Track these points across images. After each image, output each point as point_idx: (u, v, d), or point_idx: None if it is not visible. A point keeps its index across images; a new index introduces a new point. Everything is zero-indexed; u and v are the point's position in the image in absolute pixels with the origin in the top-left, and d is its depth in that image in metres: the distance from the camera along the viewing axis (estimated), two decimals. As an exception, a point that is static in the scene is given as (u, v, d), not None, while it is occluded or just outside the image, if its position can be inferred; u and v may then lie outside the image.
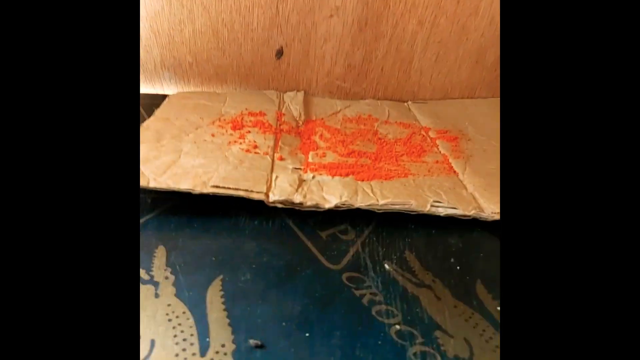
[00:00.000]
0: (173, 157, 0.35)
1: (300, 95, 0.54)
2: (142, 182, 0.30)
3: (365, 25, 0.51)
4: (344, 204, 0.32)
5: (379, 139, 0.46)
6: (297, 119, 0.48)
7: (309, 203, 0.31)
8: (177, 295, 0.24)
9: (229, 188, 0.31)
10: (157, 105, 0.47)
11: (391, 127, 0.49)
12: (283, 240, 0.29)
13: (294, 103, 0.52)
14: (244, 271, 0.26)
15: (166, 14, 0.49)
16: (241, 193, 0.31)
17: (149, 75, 0.54)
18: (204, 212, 0.31)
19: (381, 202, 0.32)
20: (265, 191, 0.32)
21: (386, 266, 0.28)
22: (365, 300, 0.25)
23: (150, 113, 0.45)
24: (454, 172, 0.40)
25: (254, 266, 0.27)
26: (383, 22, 0.51)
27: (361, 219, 0.32)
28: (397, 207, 0.32)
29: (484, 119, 0.52)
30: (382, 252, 0.29)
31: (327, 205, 0.31)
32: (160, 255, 0.27)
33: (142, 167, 0.33)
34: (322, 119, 0.50)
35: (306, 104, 0.53)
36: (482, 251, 0.31)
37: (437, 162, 0.42)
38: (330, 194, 0.33)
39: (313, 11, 0.50)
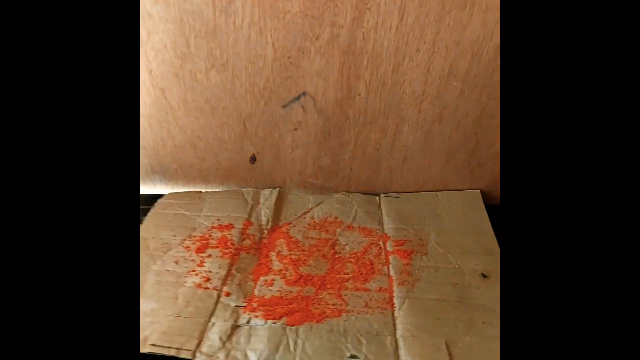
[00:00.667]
0: (131, 301, 0.41)
1: (275, 194, 0.57)
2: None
3: (329, 135, 0.53)
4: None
5: (335, 253, 0.48)
6: (264, 226, 0.52)
7: (229, 365, 0.35)
8: None
9: (164, 347, 0.36)
10: (148, 209, 0.54)
11: (352, 235, 0.50)
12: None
13: (266, 205, 0.55)
14: None
15: (149, 133, 0.55)
16: (172, 352, 0.36)
17: (143, 179, 0.61)
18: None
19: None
20: (194, 349, 0.36)
21: None
22: None
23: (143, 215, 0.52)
24: (392, 305, 0.41)
25: None
26: (345, 132, 0.52)
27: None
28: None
29: (451, 222, 0.51)
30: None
31: (246, 367, 0.35)
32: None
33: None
34: (290, 222, 0.53)
35: (278, 203, 0.56)
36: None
37: (380, 289, 0.43)
38: (253, 349, 0.36)
39: (277, 126, 0.53)
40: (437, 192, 0.56)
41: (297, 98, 0.50)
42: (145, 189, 0.62)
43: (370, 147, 0.53)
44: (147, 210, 0.55)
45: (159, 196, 0.58)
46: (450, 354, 0.35)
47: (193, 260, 0.46)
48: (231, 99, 0.51)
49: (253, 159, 0.57)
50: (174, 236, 0.50)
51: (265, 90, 0.50)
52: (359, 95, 0.49)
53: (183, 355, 0.36)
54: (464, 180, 0.55)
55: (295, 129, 0.53)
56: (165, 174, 0.59)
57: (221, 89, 0.50)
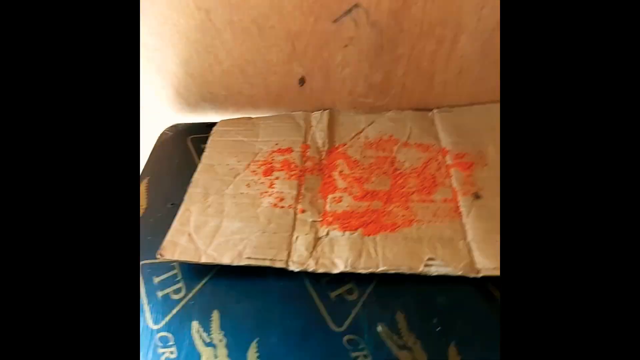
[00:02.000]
0: (217, 222, 0.44)
1: (326, 116, 0.57)
2: (195, 258, 0.41)
3: (382, 50, 0.51)
4: (348, 270, 0.39)
5: (395, 170, 0.50)
6: (321, 148, 0.54)
7: (320, 270, 0.39)
8: (229, 355, 0.35)
9: (258, 259, 0.40)
10: (204, 137, 0.56)
11: (409, 152, 0.52)
12: (301, 302, 0.39)
13: (319, 128, 0.56)
14: (272, 333, 0.36)
15: (196, 60, 0.54)
16: (267, 263, 0.40)
17: (194, 108, 0.61)
18: (244, 274, 0.41)
19: (379, 268, 0.39)
20: (286, 259, 0.40)
21: (379, 328, 0.36)
22: (359, 360, 0.34)
23: (199, 152, 0.54)
24: (459, 214, 0.44)
25: (279, 328, 0.37)
26: (399, 45, 0.50)
27: (365, 278, 0.39)
28: (392, 271, 0.39)
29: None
30: (378, 313, 0.37)
31: (335, 271, 0.39)
32: (215, 319, 0.38)
33: (195, 236, 0.43)
34: (345, 144, 0.54)
35: (331, 125, 0.57)
36: (465, 310, 0.37)
37: (445, 200, 0.45)
38: (338, 256, 0.40)
39: (327, 44, 0.51)
40: (492, 104, 0.55)
41: (349, 11, 0.48)
42: (196, 117, 0.62)
43: (425, 60, 0.52)
44: (204, 138, 0.56)
45: (212, 124, 0.59)
46: (520, 252, 0.39)
47: (263, 183, 0.49)
48: (279, 17, 0.49)
49: (302, 82, 0.56)
50: (239, 161, 0.52)
51: (315, 4, 0.47)
52: (416, 4, 0.46)
53: (277, 265, 0.40)
54: (520, 89, 0.54)
55: (346, 46, 0.51)
56: (215, 101, 0.60)
57: (268, 6, 0.48)
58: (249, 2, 0.48)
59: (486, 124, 0.53)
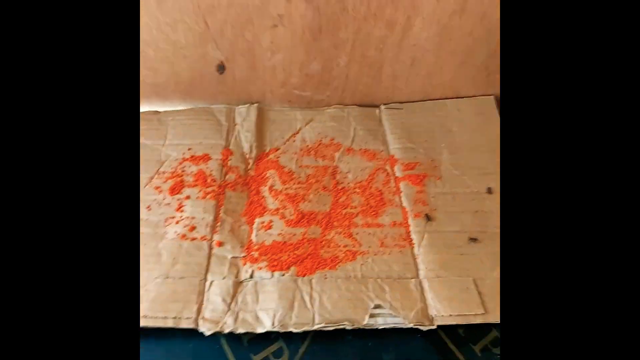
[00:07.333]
0: (102, 266, 0.33)
1: (253, 111, 0.47)
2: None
3: (320, 33, 0.41)
4: (276, 329, 0.31)
5: (337, 184, 0.41)
6: (248, 154, 0.43)
7: (240, 330, 0.30)
8: None
9: (158, 317, 0.30)
10: None
11: (353, 160, 0.43)
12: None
13: (245, 127, 0.45)
14: None
15: (74, 36, 0.40)
16: (170, 323, 0.30)
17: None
18: (143, 334, 0.31)
19: (315, 325, 0.31)
20: (195, 315, 0.31)
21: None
22: None
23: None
24: (410, 242, 0.37)
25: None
26: (341, 28, 0.40)
27: (297, 334, 0.31)
28: (331, 328, 0.31)
29: (464, 136, 0.45)
30: (313, 381, 0.30)
31: (260, 330, 0.31)
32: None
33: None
34: (277, 149, 0.44)
35: (260, 123, 0.46)
36: (416, 369, 0.30)
37: (394, 224, 0.38)
38: (264, 308, 0.32)
39: (251, 22, 0.39)
40: (447, 100, 0.48)
41: (278, -19, 0.37)
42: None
43: (372, 47, 0.43)
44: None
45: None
46: (480, 293, 0.33)
47: (169, 204, 0.38)
48: (183, -16, 0.36)
49: (221, 68, 0.44)
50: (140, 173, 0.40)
51: (232, -31, 0.35)
52: (362, -24, 0.36)
53: (184, 325, 0.30)
54: (478, 85, 0.47)
55: (275, 26, 0.40)
56: (107, 91, 0.46)
57: (167, -32, 0.35)
58: (139, -40, 0.34)
59: (440, 124, 0.46)
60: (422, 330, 0.31)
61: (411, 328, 0.31)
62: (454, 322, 0.32)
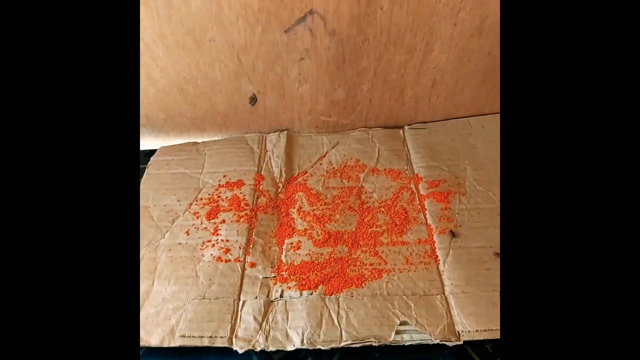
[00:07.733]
0: (147, 285, 0.36)
1: (283, 138, 0.50)
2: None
3: (344, 62, 0.43)
4: (305, 346, 0.32)
5: (362, 203, 0.43)
6: (278, 179, 0.46)
7: (271, 348, 0.32)
8: None
9: (195, 337, 0.33)
10: (141, 169, 0.47)
11: (378, 180, 0.45)
12: (248, 389, 0.31)
13: (275, 153, 0.48)
14: None
15: (124, 79, 0.45)
16: (206, 342, 0.32)
17: (128, 133, 0.52)
18: (178, 353, 0.33)
19: (342, 343, 0.32)
20: (229, 334, 0.33)
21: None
22: None
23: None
24: (435, 258, 0.37)
25: None
26: (363, 57, 0.43)
27: (326, 351, 0.32)
28: (357, 345, 0.32)
29: (487, 152, 0.45)
30: (342, 399, 0.30)
31: (290, 348, 0.32)
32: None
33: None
34: (305, 172, 0.47)
35: (289, 148, 0.49)
36: (445, 389, 0.30)
37: (419, 241, 0.39)
38: (294, 327, 0.33)
39: (280, 57, 0.43)
40: (470, 118, 0.49)
41: (303, 19, 0.40)
42: (132, 144, 0.53)
43: (393, 72, 0.45)
44: (141, 171, 0.48)
45: (151, 152, 0.50)
46: (509, 312, 0.32)
47: (206, 229, 0.41)
48: (219, 28, 0.40)
49: (253, 100, 0.48)
50: (178, 201, 0.44)
51: (262, 12, 0.39)
52: (381, 8, 0.39)
53: (218, 343, 0.32)
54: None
55: (302, 59, 0.43)
56: (153, 125, 0.51)
57: (205, 15, 0.39)
58: (180, 12, 0.39)
59: (463, 142, 0.47)
60: (448, 347, 0.32)
61: (438, 344, 0.32)
62: (480, 338, 0.31)
